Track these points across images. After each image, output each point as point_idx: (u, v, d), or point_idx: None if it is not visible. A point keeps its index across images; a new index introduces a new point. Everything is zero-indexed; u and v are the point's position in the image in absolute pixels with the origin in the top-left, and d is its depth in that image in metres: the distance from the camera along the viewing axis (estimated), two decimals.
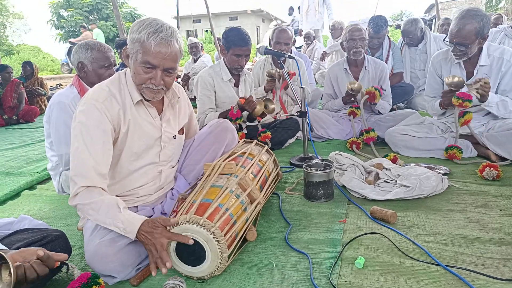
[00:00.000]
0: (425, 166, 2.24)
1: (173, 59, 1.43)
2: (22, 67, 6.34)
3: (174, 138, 1.71)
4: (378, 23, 3.94)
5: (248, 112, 2.76)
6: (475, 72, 2.50)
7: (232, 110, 2.68)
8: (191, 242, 1.27)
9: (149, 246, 1.30)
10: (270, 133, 2.85)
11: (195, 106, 3.08)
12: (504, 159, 2.34)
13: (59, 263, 1.14)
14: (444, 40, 2.52)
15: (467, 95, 2.29)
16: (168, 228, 1.32)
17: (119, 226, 1.32)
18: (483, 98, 2.31)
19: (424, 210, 1.78)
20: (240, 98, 2.70)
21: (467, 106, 2.32)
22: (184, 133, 1.83)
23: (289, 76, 2.97)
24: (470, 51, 2.40)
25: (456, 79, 2.38)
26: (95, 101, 1.42)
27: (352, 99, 3.16)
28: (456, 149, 2.40)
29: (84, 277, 1.18)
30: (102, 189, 1.40)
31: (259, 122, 2.85)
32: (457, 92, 2.35)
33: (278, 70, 3.26)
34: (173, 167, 1.79)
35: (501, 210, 1.74)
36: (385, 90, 2.99)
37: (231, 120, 2.62)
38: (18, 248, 1.21)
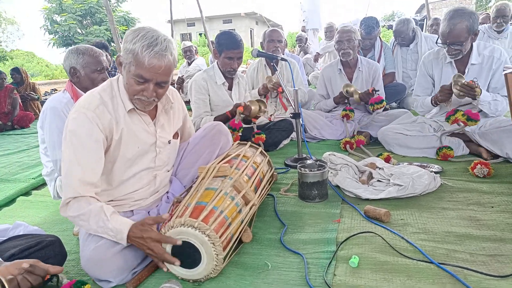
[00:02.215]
0: (417, 165, 2.26)
1: (166, 73, 1.42)
2: (10, 74, 6.28)
3: (169, 143, 1.71)
4: (370, 24, 3.98)
5: (244, 115, 2.77)
6: (466, 70, 2.52)
7: (233, 120, 2.68)
8: (179, 243, 1.28)
9: (146, 250, 1.32)
10: (264, 135, 2.86)
11: (189, 110, 3.09)
12: (496, 156, 2.37)
13: (49, 275, 1.15)
14: (436, 42, 2.54)
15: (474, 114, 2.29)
16: (160, 226, 1.33)
17: (109, 234, 1.33)
18: (470, 96, 2.32)
19: (417, 209, 1.80)
20: (238, 106, 2.71)
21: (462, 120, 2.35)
22: (179, 136, 1.84)
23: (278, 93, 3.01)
24: (465, 48, 2.43)
25: (463, 81, 2.30)
26: (86, 110, 1.41)
27: (346, 101, 3.21)
28: (446, 149, 2.43)
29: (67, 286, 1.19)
30: (91, 197, 1.40)
31: (254, 123, 2.87)
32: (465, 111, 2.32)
33: (273, 81, 3.29)
34: (168, 171, 1.80)
35: (492, 207, 1.76)
36: (378, 90, 3.02)
37: (234, 130, 2.63)
38: (12, 255, 1.21)
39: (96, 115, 1.42)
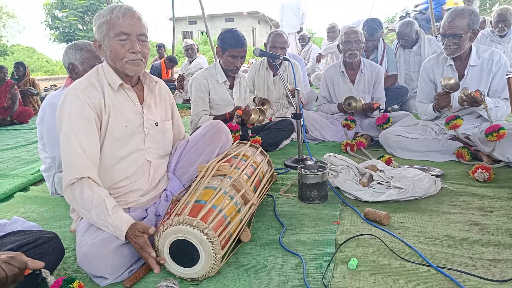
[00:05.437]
0: (418, 168, 2.25)
1: (142, 24, 1.51)
2: (14, 67, 6.38)
3: (156, 125, 1.71)
4: (372, 26, 3.98)
5: (241, 119, 2.76)
6: (465, 72, 2.52)
7: (231, 122, 2.68)
8: (162, 261, 1.33)
9: (137, 251, 1.36)
10: (259, 137, 2.84)
11: (190, 108, 3.08)
12: (497, 161, 2.36)
13: (31, 270, 1.13)
14: (436, 36, 2.56)
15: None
16: (159, 224, 1.38)
17: (109, 228, 1.38)
18: (475, 103, 2.32)
19: (417, 212, 1.79)
20: (238, 109, 2.70)
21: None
22: (173, 124, 1.87)
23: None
24: (463, 45, 2.42)
25: (452, 81, 2.39)
26: (75, 90, 1.47)
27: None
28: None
29: (55, 286, 1.16)
30: (92, 180, 1.43)
31: (249, 128, 2.85)
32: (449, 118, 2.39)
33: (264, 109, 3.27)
34: (162, 157, 1.78)
35: (492, 211, 1.76)
36: (382, 109, 3.07)
37: (231, 132, 2.62)
38: (10, 250, 1.20)
39: (85, 95, 1.47)
